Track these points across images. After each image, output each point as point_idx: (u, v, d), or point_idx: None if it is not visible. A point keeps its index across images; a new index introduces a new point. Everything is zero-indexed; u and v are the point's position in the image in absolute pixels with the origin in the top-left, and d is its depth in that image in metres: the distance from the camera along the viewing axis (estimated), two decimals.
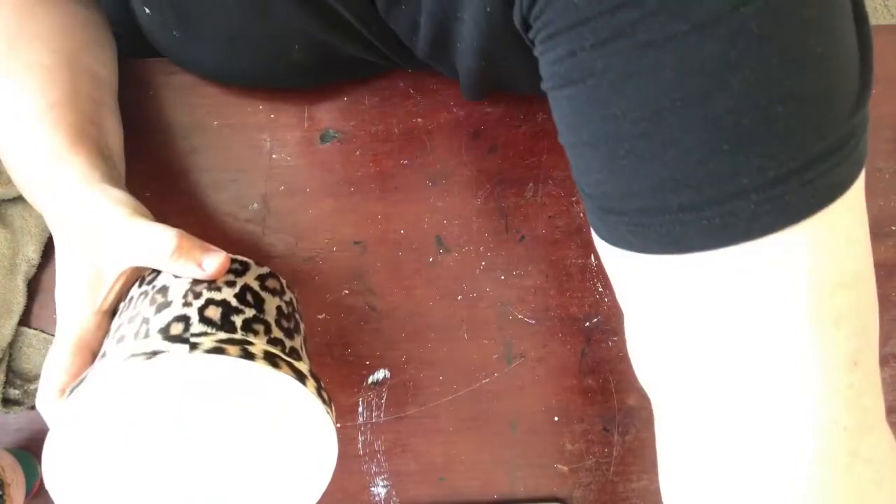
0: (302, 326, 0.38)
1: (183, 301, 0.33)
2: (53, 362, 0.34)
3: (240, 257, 0.36)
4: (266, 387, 0.30)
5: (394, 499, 0.43)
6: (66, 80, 0.39)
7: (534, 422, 0.44)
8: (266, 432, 0.31)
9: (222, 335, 0.31)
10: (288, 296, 0.38)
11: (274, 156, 0.47)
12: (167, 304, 0.33)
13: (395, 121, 0.48)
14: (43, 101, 0.38)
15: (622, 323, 0.46)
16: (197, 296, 0.33)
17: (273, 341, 0.33)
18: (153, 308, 0.33)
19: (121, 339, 0.32)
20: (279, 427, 0.31)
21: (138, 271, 0.36)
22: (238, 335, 0.32)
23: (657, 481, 0.44)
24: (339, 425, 0.44)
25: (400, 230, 0.46)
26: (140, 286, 0.35)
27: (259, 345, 0.31)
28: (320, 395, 0.31)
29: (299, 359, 0.34)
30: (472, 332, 0.45)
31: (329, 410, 0.32)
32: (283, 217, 0.46)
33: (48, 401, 0.33)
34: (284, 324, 0.35)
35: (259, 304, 0.35)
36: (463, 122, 0.48)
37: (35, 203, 0.38)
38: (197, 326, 0.31)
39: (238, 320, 0.33)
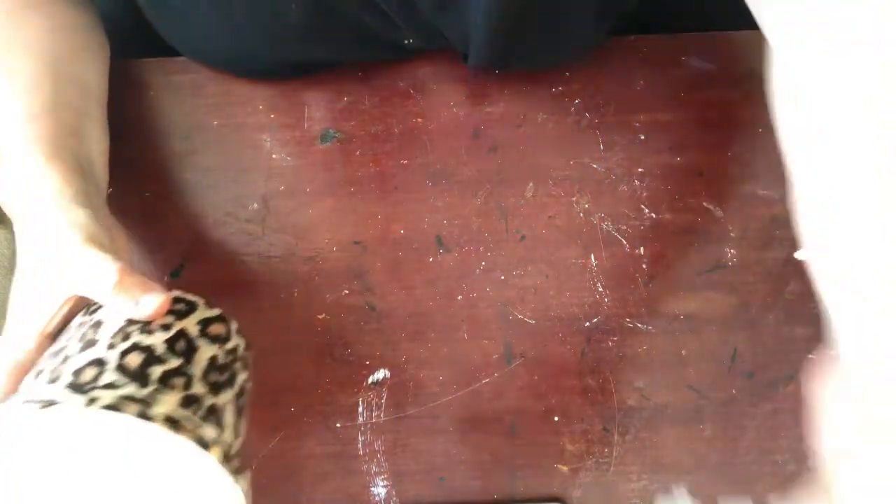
0: (240, 378, 0.36)
1: (109, 342, 0.31)
2: None
3: (189, 296, 0.35)
4: (167, 450, 0.29)
5: (394, 499, 0.43)
6: (49, 89, 0.39)
7: (534, 422, 0.44)
8: (169, 494, 0.30)
9: (127, 390, 0.29)
10: (232, 343, 0.36)
11: (274, 156, 0.47)
12: (93, 343, 0.31)
13: (395, 121, 0.48)
14: (23, 113, 0.38)
15: (622, 323, 0.46)
16: (126, 337, 0.32)
17: (187, 399, 0.31)
18: (80, 345, 0.31)
19: (38, 374, 0.31)
20: (182, 490, 0.30)
21: (85, 298, 0.35)
22: (146, 390, 0.30)
23: (657, 481, 0.44)
24: (339, 425, 0.44)
25: (400, 230, 0.46)
26: (83, 315, 0.34)
27: (163, 405, 0.30)
28: (227, 461, 0.30)
29: (216, 421, 0.32)
30: (472, 332, 0.45)
31: (239, 478, 0.30)
32: (283, 217, 0.46)
33: None
34: (213, 377, 0.33)
35: (189, 353, 0.33)
36: (463, 122, 0.48)
37: (9, 213, 0.38)
38: (108, 375, 0.30)
39: (156, 371, 0.31)
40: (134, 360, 0.31)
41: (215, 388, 0.33)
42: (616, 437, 0.44)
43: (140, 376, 0.30)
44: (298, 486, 0.43)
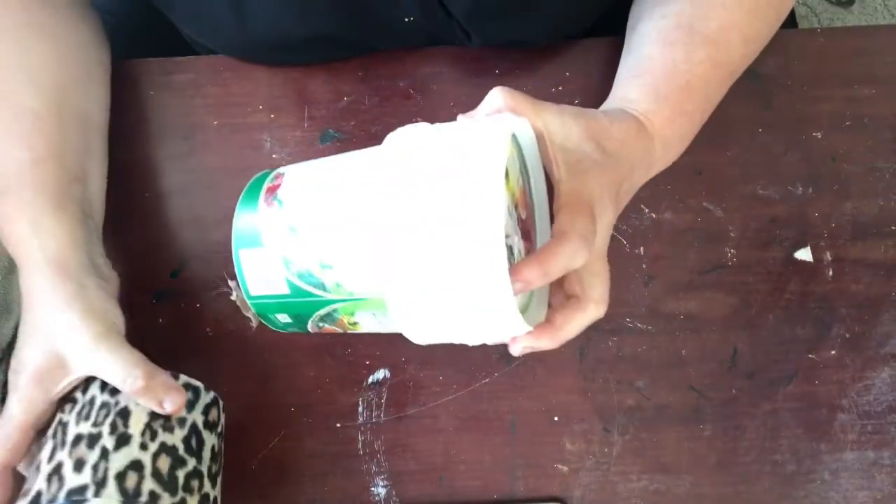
0: (222, 455, 0.40)
1: (141, 440, 0.34)
2: None
3: (193, 382, 0.38)
4: None
5: (394, 499, 0.43)
6: (55, 129, 0.40)
7: (534, 422, 0.44)
8: None
9: (167, 501, 0.33)
10: (221, 425, 0.39)
11: (274, 156, 0.47)
12: (126, 440, 0.34)
13: (395, 121, 0.48)
14: (28, 156, 0.38)
15: (622, 323, 0.46)
16: (153, 435, 0.35)
17: (203, 500, 0.35)
18: (113, 438, 0.34)
19: (78, 464, 0.33)
20: None
21: None
22: (177, 498, 0.34)
23: (657, 481, 0.44)
24: (339, 425, 0.44)
25: None
26: (102, 392, 0.36)
27: None
28: None
29: None
30: None
31: None
32: None
33: None
34: (213, 469, 0.37)
35: (199, 449, 0.36)
36: None
37: (14, 258, 0.39)
38: (147, 482, 0.33)
39: (181, 476, 0.34)
40: (163, 463, 0.34)
41: (215, 480, 0.37)
42: (616, 437, 0.44)
43: (171, 482, 0.34)
44: (298, 486, 0.43)
